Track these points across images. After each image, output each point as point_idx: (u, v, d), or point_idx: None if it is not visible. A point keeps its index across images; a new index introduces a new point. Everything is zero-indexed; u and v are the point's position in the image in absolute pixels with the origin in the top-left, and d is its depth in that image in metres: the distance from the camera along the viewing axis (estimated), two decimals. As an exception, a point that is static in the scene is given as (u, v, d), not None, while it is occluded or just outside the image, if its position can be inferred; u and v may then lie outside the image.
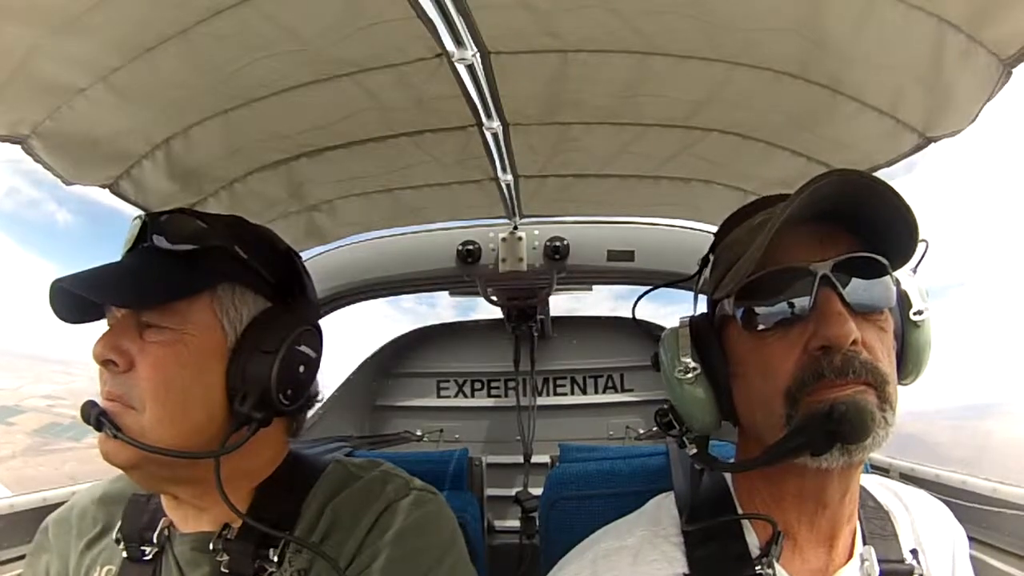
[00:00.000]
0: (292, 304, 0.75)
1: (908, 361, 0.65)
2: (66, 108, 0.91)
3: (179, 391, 0.66)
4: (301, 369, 0.71)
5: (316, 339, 0.74)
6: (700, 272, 0.76)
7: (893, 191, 0.56)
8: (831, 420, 0.55)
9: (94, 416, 0.66)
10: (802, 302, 0.59)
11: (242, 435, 0.68)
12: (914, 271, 0.66)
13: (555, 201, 1.60)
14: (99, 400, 0.68)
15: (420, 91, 1.03)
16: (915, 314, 0.65)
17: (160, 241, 0.68)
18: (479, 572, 0.78)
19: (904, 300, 0.65)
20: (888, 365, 0.60)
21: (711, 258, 0.74)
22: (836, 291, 0.59)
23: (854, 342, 0.57)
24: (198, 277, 0.69)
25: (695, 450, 0.70)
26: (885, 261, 0.61)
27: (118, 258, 0.72)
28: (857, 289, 0.60)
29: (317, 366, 0.75)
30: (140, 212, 0.77)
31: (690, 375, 0.66)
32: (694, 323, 0.69)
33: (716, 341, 0.67)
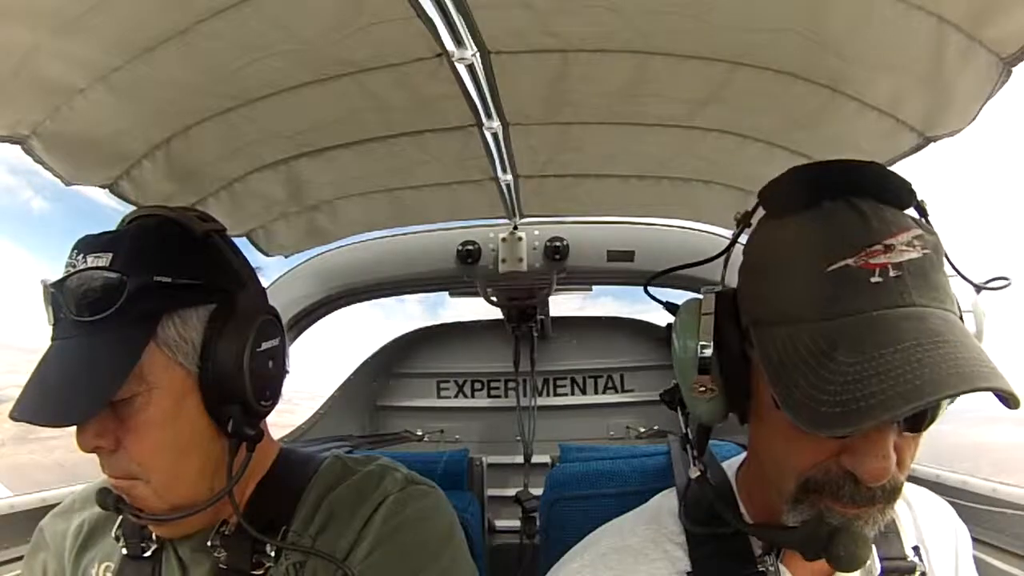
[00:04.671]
0: (234, 293, 0.69)
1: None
2: (66, 108, 0.91)
3: (172, 448, 0.65)
4: (270, 365, 0.70)
5: (273, 325, 0.71)
6: (728, 251, 0.68)
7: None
8: (829, 549, 0.54)
9: (113, 504, 0.66)
10: None
11: (243, 454, 0.68)
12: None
13: (555, 201, 1.60)
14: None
15: (420, 91, 1.02)
16: None
17: (77, 316, 0.62)
18: (479, 572, 0.78)
19: None
20: (908, 467, 0.56)
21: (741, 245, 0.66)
22: (894, 421, 0.53)
23: None
24: (133, 339, 0.63)
25: (699, 472, 0.69)
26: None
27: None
28: (918, 414, 0.53)
29: (283, 351, 0.73)
30: (54, 274, 0.65)
31: (704, 388, 0.61)
32: (719, 310, 0.61)
33: (741, 346, 0.60)
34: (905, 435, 0.55)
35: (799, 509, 0.57)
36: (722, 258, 0.70)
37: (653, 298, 0.76)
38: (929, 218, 0.59)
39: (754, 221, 0.65)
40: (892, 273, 0.51)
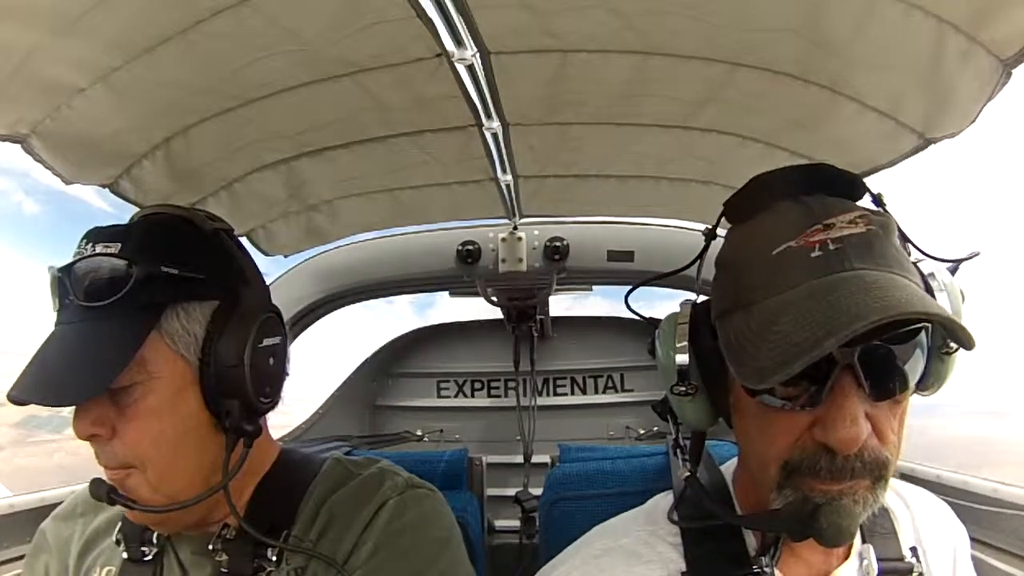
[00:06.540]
0: (238, 290, 0.70)
1: (929, 386, 0.62)
2: (66, 108, 0.91)
3: (169, 439, 0.65)
4: (271, 362, 0.70)
5: (275, 323, 0.72)
6: (699, 263, 0.72)
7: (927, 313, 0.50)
8: (812, 524, 0.54)
9: (105, 494, 0.66)
10: (815, 387, 0.53)
11: (240, 451, 0.68)
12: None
13: (555, 201, 1.60)
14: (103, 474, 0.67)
15: (420, 91, 1.02)
16: (944, 353, 0.59)
17: (83, 302, 0.63)
18: (478, 572, 0.78)
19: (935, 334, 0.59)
20: (895, 444, 0.56)
21: (709, 259, 0.71)
22: (857, 384, 0.53)
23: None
24: (137, 327, 0.63)
25: (687, 472, 0.70)
26: (924, 341, 0.55)
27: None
28: (882, 377, 0.54)
29: (284, 350, 0.73)
30: (62, 261, 0.65)
31: (683, 388, 0.64)
32: (694, 320, 0.65)
33: (715, 347, 0.62)
34: (879, 405, 0.55)
35: (784, 494, 0.57)
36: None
37: (635, 312, 0.79)
38: (886, 207, 0.62)
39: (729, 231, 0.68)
40: (832, 247, 0.54)
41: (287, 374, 0.75)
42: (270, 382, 0.70)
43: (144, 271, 0.63)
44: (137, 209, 0.75)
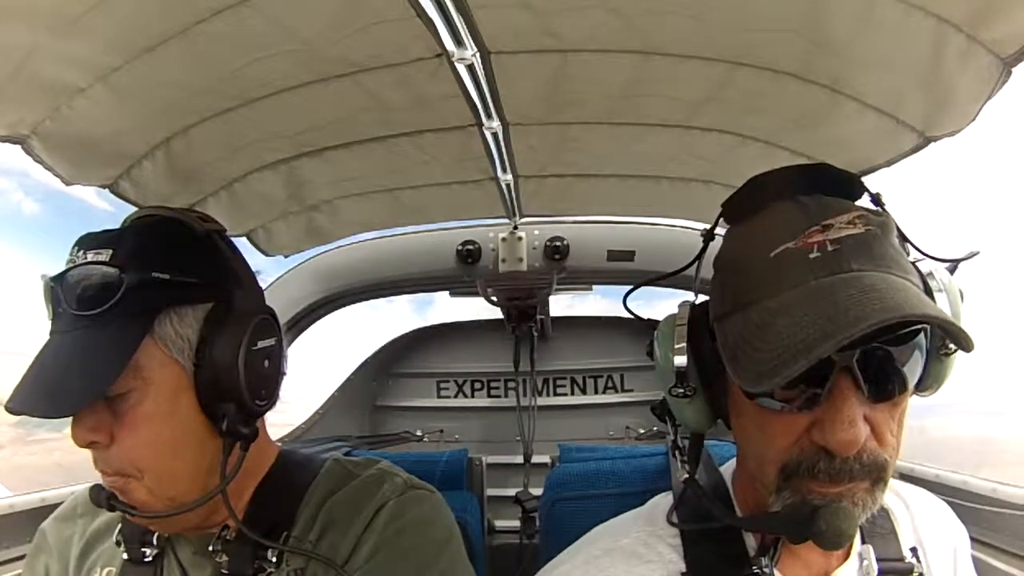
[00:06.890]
0: (232, 293, 0.70)
1: (927, 387, 0.62)
2: (66, 108, 0.91)
3: (166, 444, 0.65)
4: (266, 364, 0.70)
5: (269, 325, 0.71)
6: (698, 264, 0.72)
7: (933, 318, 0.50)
8: (811, 527, 0.54)
9: (105, 501, 0.66)
10: (814, 389, 0.54)
11: (237, 454, 0.68)
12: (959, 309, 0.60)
13: (555, 201, 1.60)
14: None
15: (420, 91, 1.02)
16: (943, 354, 0.59)
17: (76, 310, 0.63)
18: (478, 572, 0.78)
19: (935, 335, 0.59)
20: (893, 446, 0.56)
21: (704, 260, 0.72)
22: (855, 386, 0.53)
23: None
24: (130, 333, 0.63)
25: (686, 474, 0.70)
26: (922, 343, 0.56)
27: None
28: (880, 379, 0.54)
29: (280, 351, 0.73)
30: (56, 269, 0.66)
31: (682, 390, 0.64)
32: (692, 321, 0.65)
33: (713, 349, 0.62)
34: (878, 407, 0.55)
35: (783, 496, 0.57)
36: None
37: (633, 314, 0.80)
38: (884, 206, 0.62)
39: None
40: (830, 248, 0.54)
41: (283, 375, 0.74)
42: (265, 384, 0.70)
43: (135, 278, 0.63)
44: (136, 210, 0.75)
